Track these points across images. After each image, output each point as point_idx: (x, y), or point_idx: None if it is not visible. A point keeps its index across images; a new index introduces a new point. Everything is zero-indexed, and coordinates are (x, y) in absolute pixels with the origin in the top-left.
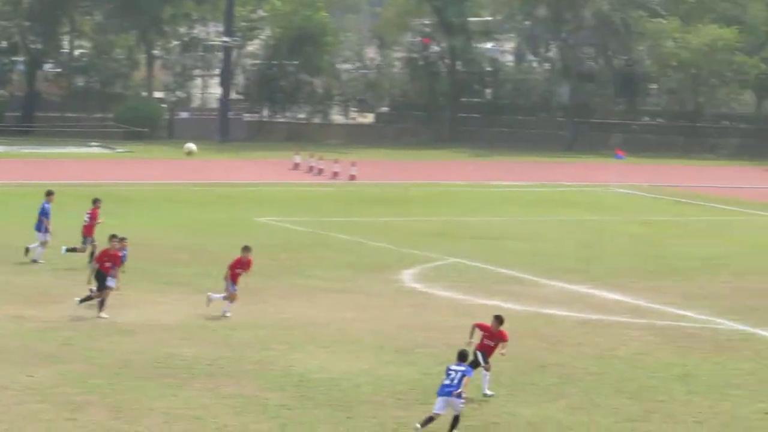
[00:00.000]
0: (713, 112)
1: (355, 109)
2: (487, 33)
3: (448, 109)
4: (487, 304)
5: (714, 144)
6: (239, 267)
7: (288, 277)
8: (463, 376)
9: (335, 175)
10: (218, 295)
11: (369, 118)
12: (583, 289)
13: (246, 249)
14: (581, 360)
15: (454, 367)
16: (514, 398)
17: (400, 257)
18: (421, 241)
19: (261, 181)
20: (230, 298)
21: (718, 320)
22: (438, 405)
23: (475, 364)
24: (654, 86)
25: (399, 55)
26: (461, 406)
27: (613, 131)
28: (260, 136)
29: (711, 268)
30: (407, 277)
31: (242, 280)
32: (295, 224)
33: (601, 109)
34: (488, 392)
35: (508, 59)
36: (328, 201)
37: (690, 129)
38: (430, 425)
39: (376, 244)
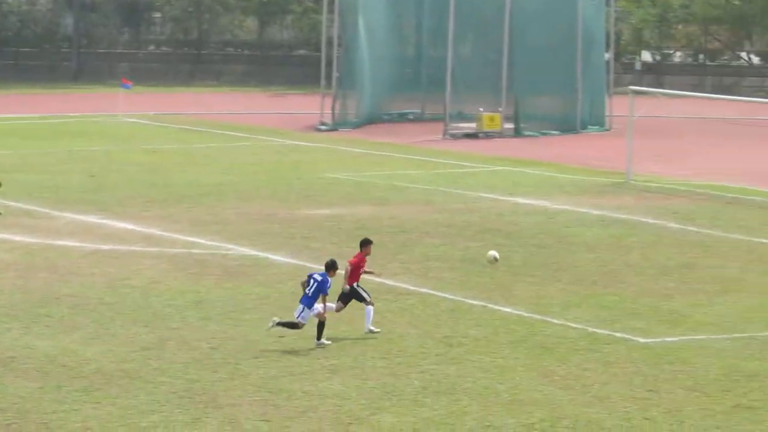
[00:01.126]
0: (218, 39)
1: None
2: None
3: None
4: None
5: (219, 71)
6: None
7: None
8: (319, 290)
9: None
10: None
11: None
12: (93, 219)
13: None
14: (94, 290)
15: (315, 275)
16: (29, 331)
17: None
18: None
19: None
20: None
21: (228, 246)
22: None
23: (360, 298)
24: (158, 15)
25: None
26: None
27: (119, 61)
28: None
29: (218, 195)
30: None
31: None
32: None
33: (106, 39)
34: (373, 329)
35: None
36: None
37: (195, 57)
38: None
39: None
